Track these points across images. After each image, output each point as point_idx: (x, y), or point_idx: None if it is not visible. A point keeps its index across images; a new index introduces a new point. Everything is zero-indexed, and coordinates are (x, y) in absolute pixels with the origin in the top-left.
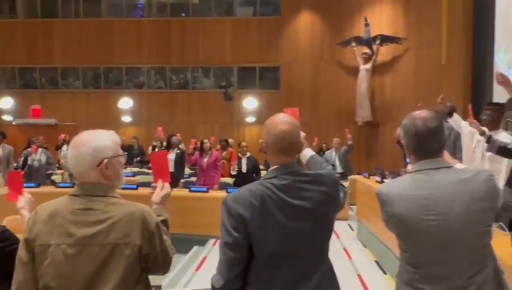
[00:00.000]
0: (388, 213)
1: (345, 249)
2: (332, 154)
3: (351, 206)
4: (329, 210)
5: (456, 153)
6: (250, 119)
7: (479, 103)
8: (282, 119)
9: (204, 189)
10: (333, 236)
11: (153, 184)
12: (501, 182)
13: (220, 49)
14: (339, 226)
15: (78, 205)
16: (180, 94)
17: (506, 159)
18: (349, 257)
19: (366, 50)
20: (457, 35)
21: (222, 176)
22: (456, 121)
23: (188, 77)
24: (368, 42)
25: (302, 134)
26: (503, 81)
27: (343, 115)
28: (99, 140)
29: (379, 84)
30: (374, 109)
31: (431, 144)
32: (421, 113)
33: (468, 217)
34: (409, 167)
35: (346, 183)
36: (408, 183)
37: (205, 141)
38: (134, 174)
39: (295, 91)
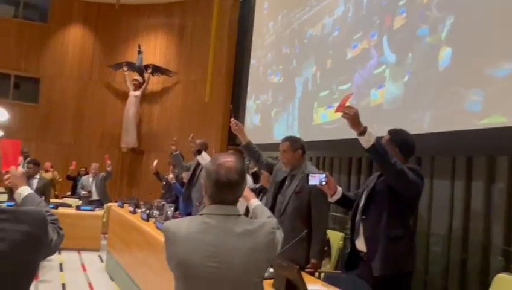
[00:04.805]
0: (171, 253)
1: (90, 284)
2: (89, 179)
3: (105, 236)
4: (31, 253)
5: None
6: None
7: (234, 141)
8: None
9: None
10: (79, 269)
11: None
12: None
13: None
14: (87, 257)
15: None
16: None
17: None
18: None
19: (137, 77)
20: (220, 78)
21: None
22: (205, 159)
23: None
24: (140, 69)
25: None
26: (237, 129)
27: (107, 139)
28: None
29: (147, 113)
30: (140, 136)
31: (227, 195)
32: (226, 162)
33: (246, 267)
34: None
35: (101, 212)
36: (197, 226)
37: None
38: None
39: (56, 107)
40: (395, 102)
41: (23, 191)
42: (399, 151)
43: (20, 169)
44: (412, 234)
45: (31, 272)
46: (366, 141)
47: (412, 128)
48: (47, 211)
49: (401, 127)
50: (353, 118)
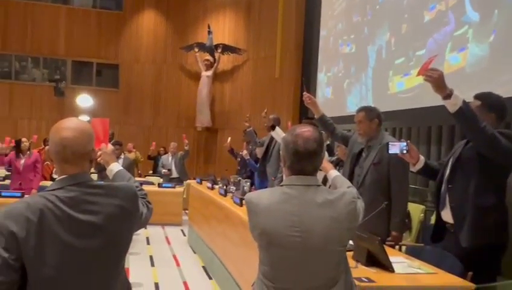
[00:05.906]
0: (253, 223)
1: (174, 256)
2: (168, 158)
3: (186, 211)
4: (124, 226)
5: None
6: (84, 117)
7: (305, 115)
8: (67, 125)
9: (19, 194)
10: (164, 243)
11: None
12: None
13: (52, 39)
14: (171, 231)
15: None
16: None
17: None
18: (178, 264)
19: (208, 57)
20: (289, 53)
21: (45, 179)
22: (278, 134)
23: (14, 66)
24: (210, 50)
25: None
26: (310, 102)
27: (183, 119)
28: None
29: (219, 92)
30: (214, 115)
31: (306, 165)
32: (304, 132)
33: (328, 237)
34: None
35: (181, 188)
36: (278, 197)
37: (23, 139)
38: None
39: (135, 91)
40: (480, 64)
41: (114, 167)
42: (495, 116)
43: (110, 146)
44: (505, 204)
45: (126, 244)
46: (453, 105)
47: (501, 92)
48: (137, 187)
49: (488, 90)
50: (437, 81)
